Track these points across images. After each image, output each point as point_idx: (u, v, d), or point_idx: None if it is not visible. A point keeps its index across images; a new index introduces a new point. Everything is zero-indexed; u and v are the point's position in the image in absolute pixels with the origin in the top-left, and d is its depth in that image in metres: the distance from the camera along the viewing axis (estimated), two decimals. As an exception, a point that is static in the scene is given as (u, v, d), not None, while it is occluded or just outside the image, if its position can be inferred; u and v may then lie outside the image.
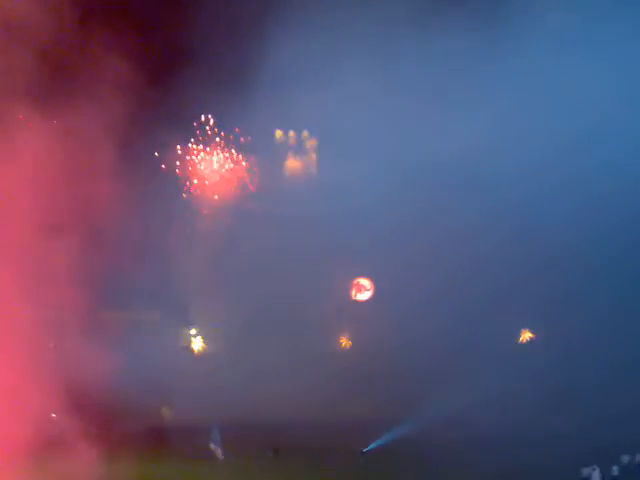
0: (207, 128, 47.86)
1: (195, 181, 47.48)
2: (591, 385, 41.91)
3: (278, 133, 46.72)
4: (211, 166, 47.53)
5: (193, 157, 47.58)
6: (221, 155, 47.52)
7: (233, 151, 47.80)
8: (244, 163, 48.15)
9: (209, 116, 47.39)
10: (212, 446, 39.18)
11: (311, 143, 45.13)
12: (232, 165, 47.92)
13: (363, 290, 50.29)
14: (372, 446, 37.99)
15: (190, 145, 47.35)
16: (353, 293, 50.25)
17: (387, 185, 43.79)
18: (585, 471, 31.90)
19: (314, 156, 43.74)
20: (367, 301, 50.25)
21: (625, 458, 33.47)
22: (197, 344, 48.57)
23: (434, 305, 45.22)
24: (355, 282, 50.24)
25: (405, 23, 40.21)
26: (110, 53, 33.44)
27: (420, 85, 42.17)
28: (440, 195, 44.62)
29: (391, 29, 41.38)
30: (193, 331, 48.48)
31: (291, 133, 46.92)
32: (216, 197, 47.10)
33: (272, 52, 41.15)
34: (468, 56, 41.29)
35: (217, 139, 47.47)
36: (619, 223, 43.07)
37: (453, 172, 43.78)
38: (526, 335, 50.41)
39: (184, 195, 46.52)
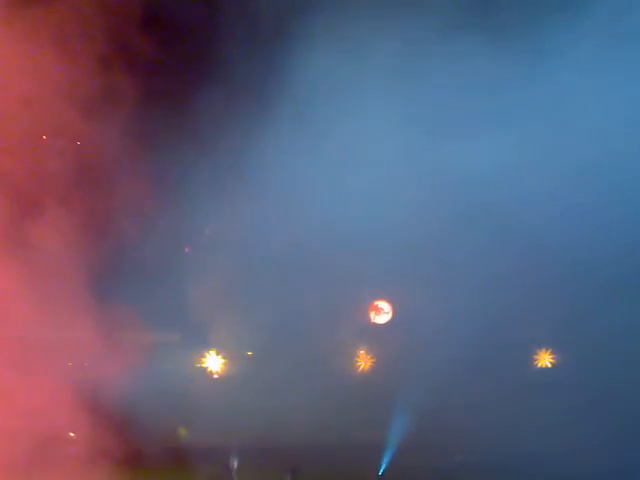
0: None
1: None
2: (618, 416, 41.56)
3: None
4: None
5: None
6: None
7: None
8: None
9: None
10: (229, 468, 39.20)
11: (331, 162, 45.03)
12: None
13: (382, 313, 50.07)
14: (384, 468, 37.96)
15: None
16: (372, 316, 50.04)
17: (408, 205, 43.68)
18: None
19: (332, 175, 43.71)
20: (386, 324, 50.03)
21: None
22: (216, 365, 48.63)
23: (455, 328, 44.97)
24: (374, 304, 50.03)
25: (425, 43, 40.40)
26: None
27: (443, 105, 42.19)
28: (462, 215, 44.42)
29: (412, 50, 41.47)
30: (212, 352, 48.55)
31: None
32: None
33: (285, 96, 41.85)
34: (492, 78, 41.30)
35: None
36: None
37: (476, 191, 43.58)
38: (550, 359, 49.99)
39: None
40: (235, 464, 39.03)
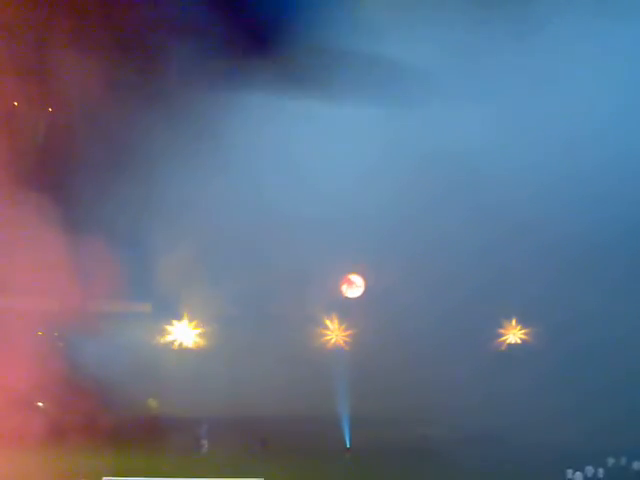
0: None
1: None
2: (578, 389, 42.01)
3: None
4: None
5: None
6: None
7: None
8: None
9: None
10: (199, 438, 39.25)
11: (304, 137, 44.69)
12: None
13: (354, 287, 50.08)
14: (350, 439, 38.33)
15: None
16: (344, 289, 50.03)
17: (381, 181, 43.61)
18: (569, 473, 32.01)
19: (306, 144, 43.40)
20: (358, 298, 50.07)
21: (610, 461, 33.60)
22: (186, 337, 48.43)
23: (428, 302, 45.06)
24: (346, 278, 49.99)
25: (408, 13, 40.18)
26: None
27: (420, 79, 42.03)
28: (434, 191, 44.39)
29: (393, 17, 41.16)
30: (181, 323, 48.33)
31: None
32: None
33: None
34: (470, 51, 41.21)
35: None
36: (621, 221, 43.12)
37: (447, 168, 43.56)
38: (520, 334, 50.35)
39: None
40: (204, 434, 39.07)
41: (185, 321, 48.11)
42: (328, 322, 49.28)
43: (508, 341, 49.97)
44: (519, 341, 49.96)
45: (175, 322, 48.05)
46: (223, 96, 42.45)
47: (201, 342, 48.26)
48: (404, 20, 40.65)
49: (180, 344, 48.12)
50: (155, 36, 42.56)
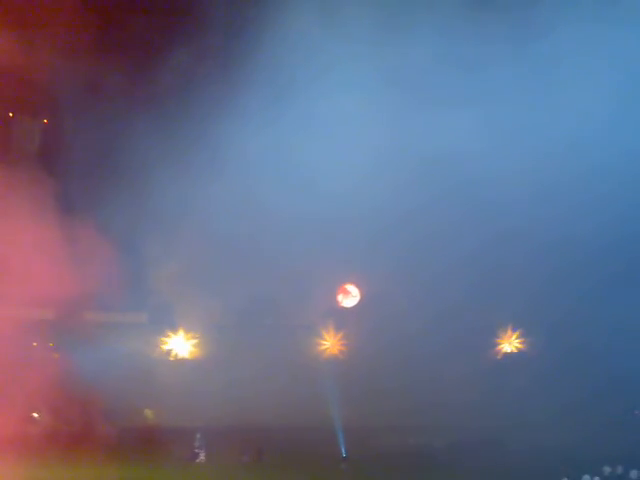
0: None
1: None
2: (575, 397, 42.08)
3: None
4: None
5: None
6: None
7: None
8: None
9: None
10: (195, 448, 39.25)
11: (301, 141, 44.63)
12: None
13: (349, 296, 50.17)
14: (345, 449, 38.38)
15: None
16: (339, 299, 50.13)
17: (379, 189, 43.68)
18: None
19: (302, 154, 43.37)
20: (354, 307, 50.14)
21: (607, 469, 33.57)
22: (181, 347, 48.41)
23: (423, 310, 45.12)
24: (341, 288, 50.08)
25: (406, 21, 40.36)
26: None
27: (415, 84, 42.16)
28: (429, 198, 44.46)
29: (392, 27, 41.35)
30: (177, 334, 48.33)
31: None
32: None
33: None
34: (468, 56, 41.40)
35: None
36: (618, 224, 43.28)
37: (441, 175, 43.67)
38: (517, 343, 50.39)
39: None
40: (200, 444, 39.06)
41: (181, 331, 48.11)
42: (324, 332, 49.35)
43: (504, 348, 50.05)
44: (515, 349, 50.04)
45: (171, 332, 48.06)
46: (219, 98, 42.51)
47: (197, 352, 48.25)
48: (403, 23, 40.93)
49: (176, 354, 48.11)
50: (151, 41, 42.70)
